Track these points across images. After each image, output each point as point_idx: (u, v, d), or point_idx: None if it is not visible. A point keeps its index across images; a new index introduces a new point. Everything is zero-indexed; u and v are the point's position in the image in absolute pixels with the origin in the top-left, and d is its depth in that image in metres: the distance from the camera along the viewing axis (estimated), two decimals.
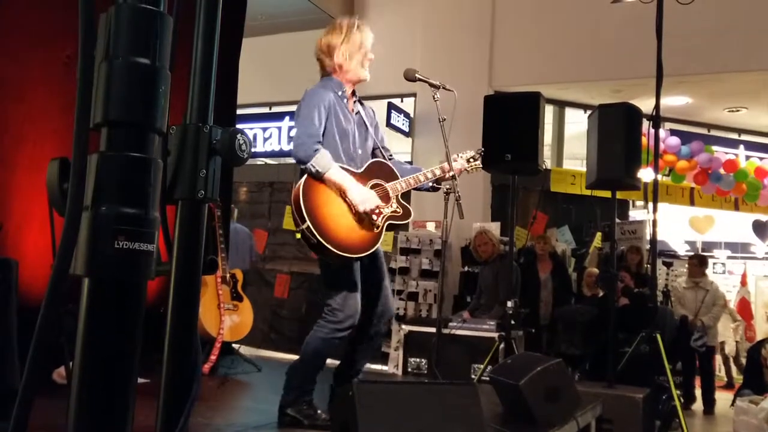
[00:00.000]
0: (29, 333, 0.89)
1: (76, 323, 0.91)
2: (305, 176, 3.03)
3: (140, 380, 0.96)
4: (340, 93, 3.23)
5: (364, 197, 3.07)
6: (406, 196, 3.34)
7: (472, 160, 3.55)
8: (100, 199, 0.91)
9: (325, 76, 3.29)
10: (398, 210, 3.22)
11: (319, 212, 2.98)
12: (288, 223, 7.16)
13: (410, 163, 7.06)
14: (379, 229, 3.12)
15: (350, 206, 3.06)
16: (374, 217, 3.08)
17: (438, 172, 3.36)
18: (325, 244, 2.92)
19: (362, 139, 3.31)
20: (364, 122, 3.34)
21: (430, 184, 3.40)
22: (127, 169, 0.93)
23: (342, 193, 3.06)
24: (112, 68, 0.93)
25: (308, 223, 2.92)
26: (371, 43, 3.26)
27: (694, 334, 6.72)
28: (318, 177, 3.02)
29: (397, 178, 3.26)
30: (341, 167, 3.08)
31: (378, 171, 3.24)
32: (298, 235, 3.01)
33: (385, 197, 3.18)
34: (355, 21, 3.25)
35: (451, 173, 3.37)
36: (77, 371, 0.91)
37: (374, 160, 3.30)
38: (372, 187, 3.16)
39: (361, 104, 3.39)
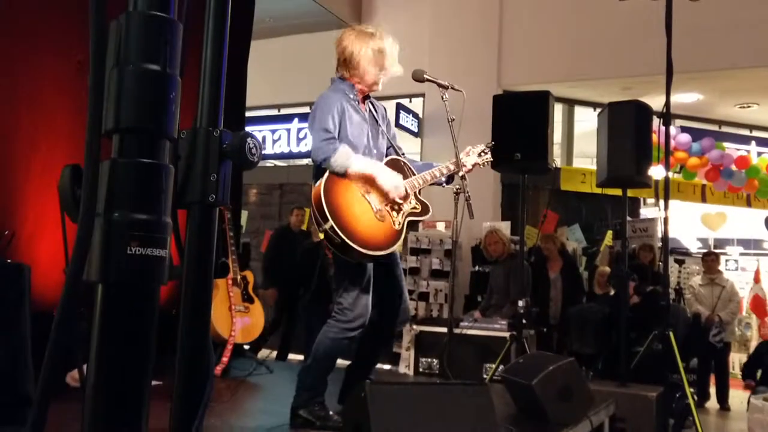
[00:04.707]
0: (42, 338, 0.90)
1: (89, 327, 0.92)
2: (325, 175, 3.02)
3: (153, 382, 0.97)
4: (351, 96, 3.22)
5: (395, 183, 3.10)
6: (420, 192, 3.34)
7: (483, 153, 3.56)
8: (112, 205, 0.91)
9: (338, 78, 3.28)
10: (417, 206, 3.22)
11: (342, 211, 2.97)
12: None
13: None
14: (401, 225, 3.11)
15: (371, 204, 3.06)
16: (399, 201, 3.10)
17: (452, 167, 3.36)
18: (349, 242, 2.91)
19: (375, 138, 3.31)
20: (377, 121, 3.35)
21: (444, 179, 3.41)
22: (139, 175, 0.94)
23: (370, 183, 3.07)
24: (123, 75, 0.94)
25: (331, 222, 2.90)
26: (394, 57, 3.23)
27: (712, 329, 6.69)
28: (344, 174, 3.02)
29: (413, 175, 3.27)
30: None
31: (394, 168, 3.24)
32: (321, 235, 2.99)
33: (404, 194, 3.19)
34: (381, 31, 3.24)
35: (465, 168, 3.38)
36: (92, 375, 0.92)
37: (390, 157, 3.30)
38: None
39: (372, 104, 3.39)
